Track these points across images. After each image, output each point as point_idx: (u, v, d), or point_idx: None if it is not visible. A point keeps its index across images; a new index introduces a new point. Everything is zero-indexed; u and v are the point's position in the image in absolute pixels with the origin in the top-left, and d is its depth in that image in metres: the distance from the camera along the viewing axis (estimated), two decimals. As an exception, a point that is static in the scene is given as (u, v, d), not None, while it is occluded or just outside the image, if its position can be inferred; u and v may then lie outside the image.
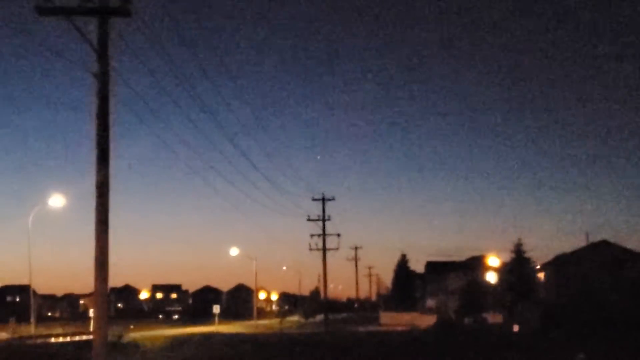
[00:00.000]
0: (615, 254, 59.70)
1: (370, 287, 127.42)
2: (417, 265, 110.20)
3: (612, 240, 63.35)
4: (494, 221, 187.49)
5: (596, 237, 65.04)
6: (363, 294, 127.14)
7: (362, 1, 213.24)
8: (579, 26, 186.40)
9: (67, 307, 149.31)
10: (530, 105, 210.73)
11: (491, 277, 78.01)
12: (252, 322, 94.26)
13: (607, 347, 25.52)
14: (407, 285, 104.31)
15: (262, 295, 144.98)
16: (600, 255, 59.49)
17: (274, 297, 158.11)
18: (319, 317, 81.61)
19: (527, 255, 74.92)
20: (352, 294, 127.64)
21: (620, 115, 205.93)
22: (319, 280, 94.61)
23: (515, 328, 48.37)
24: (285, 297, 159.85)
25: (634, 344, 25.51)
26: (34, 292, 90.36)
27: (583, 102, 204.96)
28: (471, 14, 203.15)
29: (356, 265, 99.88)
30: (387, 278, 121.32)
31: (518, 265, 74.36)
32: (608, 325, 33.39)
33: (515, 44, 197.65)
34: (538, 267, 72.48)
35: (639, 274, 53.70)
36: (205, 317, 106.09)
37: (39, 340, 46.28)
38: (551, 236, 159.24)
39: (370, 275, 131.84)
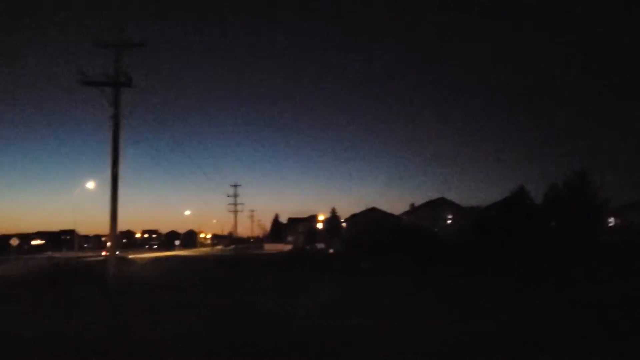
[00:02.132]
0: (379, 214, 61.96)
1: (260, 230, 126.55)
2: (284, 219, 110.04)
3: (378, 207, 65.50)
4: (325, 192, 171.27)
5: (371, 205, 66.85)
6: (256, 234, 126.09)
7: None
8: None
9: (95, 241, 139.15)
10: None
11: (319, 226, 79.70)
12: (197, 249, 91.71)
13: (377, 260, 26.71)
14: (278, 229, 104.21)
15: (202, 235, 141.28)
16: (371, 214, 61.61)
17: (209, 236, 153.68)
18: (232, 246, 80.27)
19: (337, 214, 77.13)
20: (250, 234, 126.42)
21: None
22: (233, 227, 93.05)
23: (331, 251, 49.44)
24: (215, 236, 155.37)
25: (390, 259, 26.85)
26: (76, 234, 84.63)
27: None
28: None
29: (252, 219, 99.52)
30: (269, 225, 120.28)
31: (333, 219, 76.41)
32: (376, 250, 34.51)
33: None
34: (342, 220, 74.63)
35: (389, 224, 55.58)
36: (171, 247, 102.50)
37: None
38: (351, 202, 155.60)
39: (259, 224, 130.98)
